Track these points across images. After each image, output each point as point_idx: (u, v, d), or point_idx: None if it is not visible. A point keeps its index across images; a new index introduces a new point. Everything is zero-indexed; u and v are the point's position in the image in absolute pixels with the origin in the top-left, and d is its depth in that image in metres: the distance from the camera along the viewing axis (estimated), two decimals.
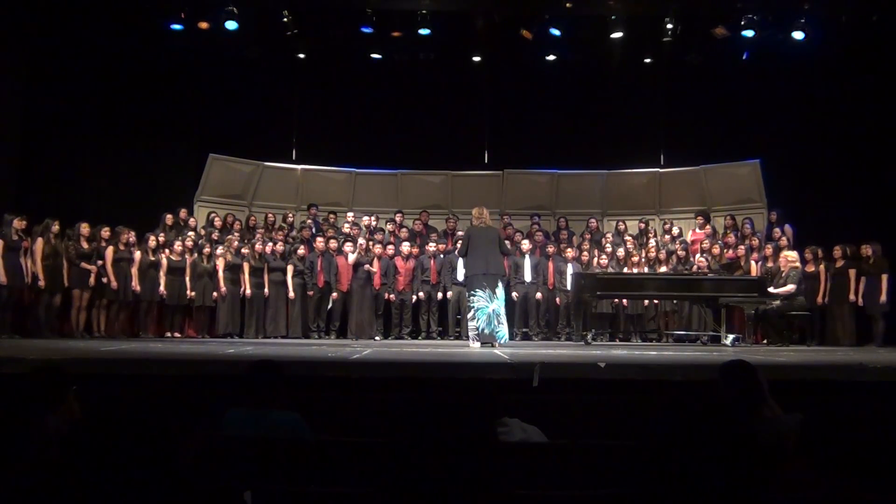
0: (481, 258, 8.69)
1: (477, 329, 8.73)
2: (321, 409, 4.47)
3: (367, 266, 11.12)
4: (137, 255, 10.49)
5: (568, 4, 11.49)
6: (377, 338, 11.01)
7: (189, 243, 10.98)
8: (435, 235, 12.04)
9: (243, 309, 11.08)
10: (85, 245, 10.17)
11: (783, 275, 10.28)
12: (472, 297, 8.75)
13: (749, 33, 11.54)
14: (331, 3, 12.05)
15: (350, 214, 12.48)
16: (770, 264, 10.90)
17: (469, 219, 12.52)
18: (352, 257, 11.18)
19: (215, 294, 10.90)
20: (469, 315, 8.95)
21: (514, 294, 11.24)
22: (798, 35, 11.39)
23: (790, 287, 10.09)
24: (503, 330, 8.86)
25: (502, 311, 8.83)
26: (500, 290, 8.78)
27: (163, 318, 10.81)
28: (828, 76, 12.14)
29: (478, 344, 8.69)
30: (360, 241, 11.39)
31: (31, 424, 2.84)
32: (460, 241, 11.37)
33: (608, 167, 13.37)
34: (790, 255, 10.44)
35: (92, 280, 10.10)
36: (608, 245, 11.81)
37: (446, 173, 13.48)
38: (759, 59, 12.19)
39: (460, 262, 11.25)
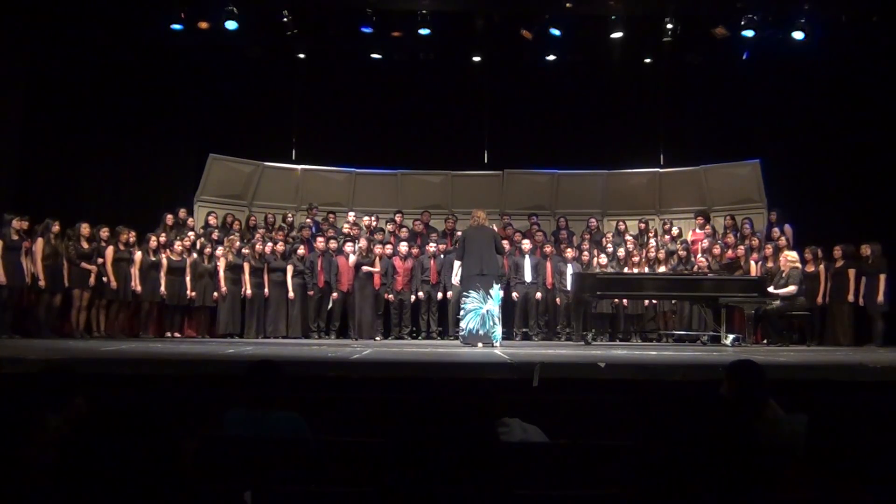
0: (476, 259, 8.73)
1: (463, 329, 8.76)
2: (321, 409, 4.47)
3: (365, 268, 11.11)
4: (138, 255, 10.50)
5: (568, 4, 11.49)
6: (377, 338, 11.01)
7: (188, 243, 10.99)
8: (435, 235, 12.04)
9: (244, 309, 11.08)
10: (85, 245, 10.17)
11: (783, 275, 10.28)
12: (465, 299, 8.80)
13: (749, 33, 11.54)
14: (331, 3, 12.05)
15: (350, 214, 12.47)
16: (770, 264, 10.90)
17: (468, 219, 12.62)
18: (353, 258, 11.17)
19: (215, 294, 10.90)
20: (459, 315, 8.97)
21: (514, 294, 11.24)
22: (798, 35, 11.38)
23: (791, 288, 10.09)
24: (498, 330, 8.88)
25: (497, 311, 8.84)
26: (494, 291, 8.79)
27: (163, 318, 10.81)
28: (828, 76, 12.14)
29: (479, 344, 8.70)
30: (362, 241, 11.39)
31: (32, 425, 2.84)
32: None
33: (608, 167, 13.36)
34: (790, 256, 10.43)
35: (92, 280, 10.10)
36: (608, 245, 11.81)
37: (446, 173, 13.47)
38: (759, 59, 12.18)
39: (456, 264, 11.27)
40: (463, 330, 8.79)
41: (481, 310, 8.66)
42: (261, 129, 13.33)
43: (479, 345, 8.65)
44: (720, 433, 1.42)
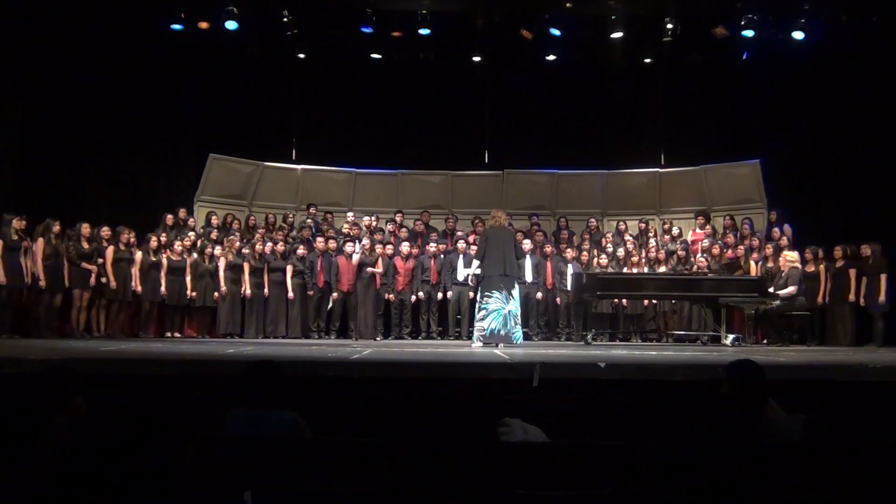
0: (498, 260, 8.71)
1: (484, 330, 8.73)
2: (321, 409, 4.47)
3: (369, 269, 11.10)
4: (138, 255, 10.50)
5: (568, 4, 11.48)
6: (377, 338, 11.01)
7: (188, 243, 10.99)
8: (435, 235, 12.04)
9: (244, 309, 11.08)
10: (85, 245, 10.17)
11: (784, 275, 10.28)
12: (486, 299, 8.74)
13: (749, 33, 11.54)
14: (331, 3, 12.05)
15: (350, 214, 12.48)
16: (770, 264, 10.90)
17: (469, 219, 12.65)
18: (356, 257, 11.17)
19: (216, 294, 10.90)
20: (479, 315, 8.93)
21: None
22: (798, 35, 11.38)
23: (791, 289, 10.09)
24: (519, 331, 8.91)
25: (518, 312, 8.87)
26: (515, 292, 8.82)
27: (163, 318, 10.81)
28: (828, 76, 12.14)
29: (480, 344, 8.70)
30: (365, 241, 11.38)
31: (38, 426, 2.84)
32: (460, 240, 11.46)
33: (608, 167, 13.36)
34: (790, 256, 10.44)
35: (92, 280, 10.10)
36: (608, 245, 11.81)
37: (446, 173, 13.47)
38: (759, 59, 12.19)
39: (460, 262, 11.28)
40: (484, 330, 8.75)
41: (504, 310, 8.67)
42: (261, 129, 13.32)
43: (477, 344, 8.67)
44: (720, 433, 1.42)
